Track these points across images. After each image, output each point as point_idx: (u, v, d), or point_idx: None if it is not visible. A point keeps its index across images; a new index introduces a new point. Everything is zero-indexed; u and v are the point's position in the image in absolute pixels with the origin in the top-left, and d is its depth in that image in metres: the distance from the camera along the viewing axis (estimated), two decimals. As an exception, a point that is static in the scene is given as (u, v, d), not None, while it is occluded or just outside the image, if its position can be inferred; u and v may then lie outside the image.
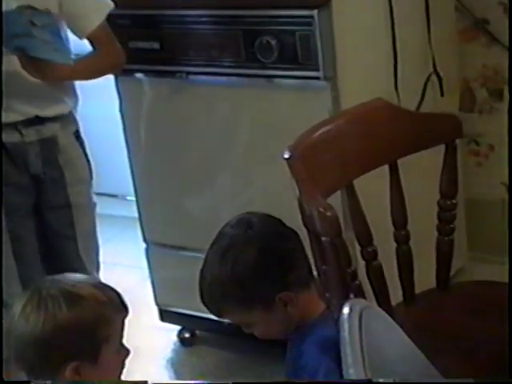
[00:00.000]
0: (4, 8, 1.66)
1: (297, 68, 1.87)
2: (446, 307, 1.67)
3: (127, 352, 1.37)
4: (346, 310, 1.28)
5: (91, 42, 1.87)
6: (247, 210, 1.46)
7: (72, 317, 1.28)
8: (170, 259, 2.26)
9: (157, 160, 2.19)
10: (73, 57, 1.77)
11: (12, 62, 1.73)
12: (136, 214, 2.31)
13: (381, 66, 1.97)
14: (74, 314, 1.28)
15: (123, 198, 3.04)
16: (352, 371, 1.21)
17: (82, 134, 1.98)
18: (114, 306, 1.33)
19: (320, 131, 1.57)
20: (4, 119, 1.81)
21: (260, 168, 2.03)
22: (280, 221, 1.43)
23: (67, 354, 1.29)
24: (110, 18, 1.86)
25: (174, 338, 2.38)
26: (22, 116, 1.83)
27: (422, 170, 1.92)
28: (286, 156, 1.48)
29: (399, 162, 1.64)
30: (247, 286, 1.36)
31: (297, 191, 1.46)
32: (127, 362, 1.37)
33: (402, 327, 1.35)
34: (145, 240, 2.31)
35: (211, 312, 1.44)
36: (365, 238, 1.60)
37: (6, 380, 1.34)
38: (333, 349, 1.29)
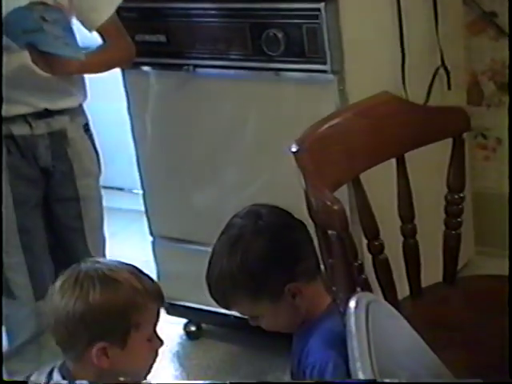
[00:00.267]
0: (16, 4, 1.67)
1: (304, 61, 1.87)
2: (453, 301, 1.67)
3: (160, 342, 1.40)
4: (352, 304, 1.28)
5: (101, 36, 1.87)
6: (254, 203, 1.46)
7: (104, 298, 1.31)
8: (177, 252, 2.26)
9: (163, 153, 2.19)
10: (83, 51, 1.77)
11: (22, 56, 1.74)
12: (142, 208, 2.31)
13: (388, 59, 1.97)
14: (106, 297, 1.31)
15: (130, 191, 3.04)
16: (359, 365, 1.21)
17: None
18: (149, 294, 1.36)
19: (327, 125, 1.56)
20: (14, 112, 1.82)
21: (266, 161, 2.03)
22: (288, 212, 1.43)
23: (95, 333, 1.32)
24: (117, 11, 1.86)
25: (180, 331, 2.39)
26: (32, 109, 1.84)
27: (429, 163, 1.92)
28: (294, 149, 1.47)
29: (406, 155, 1.63)
30: (256, 276, 1.36)
31: (303, 184, 1.45)
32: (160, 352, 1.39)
33: (408, 321, 1.35)
34: (151, 233, 2.32)
35: (218, 304, 1.44)
36: (371, 231, 1.60)
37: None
38: (340, 343, 1.29)
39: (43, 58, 1.72)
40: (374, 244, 1.60)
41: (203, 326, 2.38)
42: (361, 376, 1.21)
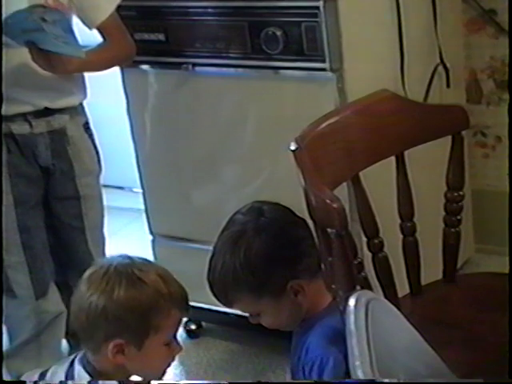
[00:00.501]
0: (16, 7, 1.67)
1: (303, 59, 1.87)
2: (453, 299, 1.67)
3: (179, 348, 1.40)
4: (352, 302, 1.27)
5: (101, 33, 1.87)
6: (256, 200, 1.46)
7: (127, 297, 1.32)
8: (177, 251, 2.26)
9: (163, 152, 2.19)
10: (84, 50, 1.77)
11: (22, 54, 1.74)
12: (142, 206, 2.31)
13: (387, 57, 1.97)
14: (129, 295, 1.32)
15: (129, 189, 3.04)
16: (358, 363, 1.21)
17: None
18: (173, 300, 1.36)
19: (326, 123, 1.56)
20: (14, 110, 1.83)
21: (266, 160, 2.03)
22: (290, 209, 1.43)
23: (114, 329, 1.33)
24: (117, 9, 1.86)
25: (180, 329, 2.38)
26: (32, 107, 1.84)
27: (428, 161, 1.92)
28: (293, 147, 1.47)
29: (406, 153, 1.63)
30: (259, 273, 1.36)
31: (303, 183, 1.45)
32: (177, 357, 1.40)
33: (408, 319, 1.35)
34: (151, 232, 2.31)
35: (219, 300, 1.44)
36: (371, 229, 1.59)
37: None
38: (341, 340, 1.29)
39: (44, 56, 1.72)
40: (373, 242, 1.60)
41: (203, 324, 2.38)
42: (360, 374, 1.21)
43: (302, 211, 1.45)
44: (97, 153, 2.00)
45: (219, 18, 1.96)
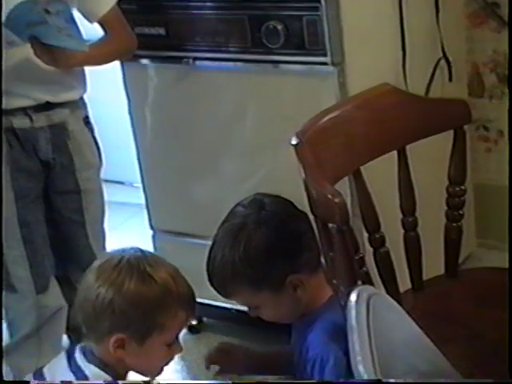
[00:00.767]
0: (18, 0, 1.66)
1: (304, 53, 1.86)
2: (455, 294, 1.66)
3: (179, 349, 1.39)
4: (353, 297, 1.27)
5: (102, 27, 1.86)
6: (257, 192, 1.45)
7: (135, 292, 1.30)
8: (177, 246, 2.26)
9: (163, 146, 2.18)
10: (87, 43, 1.77)
11: (23, 49, 1.74)
12: (143, 201, 2.30)
13: (389, 50, 1.96)
14: (138, 290, 1.31)
15: (130, 184, 3.04)
16: (359, 358, 1.20)
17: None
18: (181, 301, 1.35)
19: (327, 117, 1.55)
20: (14, 104, 1.83)
21: (267, 154, 2.02)
22: (291, 202, 1.42)
23: (119, 323, 1.31)
24: (117, 3, 1.85)
25: (182, 325, 2.38)
26: (33, 101, 1.84)
27: (430, 155, 1.91)
28: (294, 142, 1.46)
29: (407, 148, 1.62)
30: (259, 266, 1.36)
31: (304, 177, 1.45)
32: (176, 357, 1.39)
33: (409, 314, 1.34)
34: (151, 227, 2.31)
35: (219, 292, 1.43)
36: (372, 224, 1.59)
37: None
38: (341, 335, 1.28)
39: (47, 51, 1.72)
40: (375, 237, 1.59)
41: (204, 319, 2.38)
42: (361, 369, 1.21)
43: (303, 206, 1.44)
44: (97, 147, 2.00)
45: (220, 12, 1.95)
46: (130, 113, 2.20)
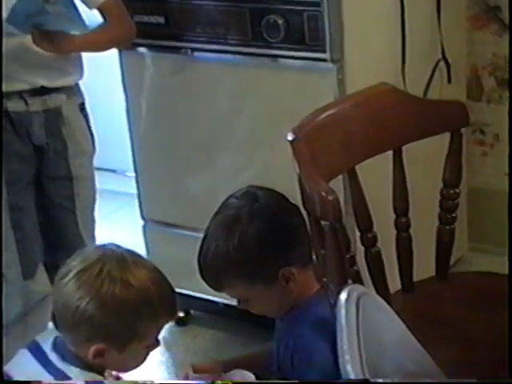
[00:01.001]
0: None
1: (303, 49, 1.85)
2: (445, 296, 1.66)
3: (157, 345, 1.37)
4: (343, 296, 1.27)
5: (102, 14, 1.85)
6: (250, 185, 1.45)
7: (117, 306, 1.27)
8: (168, 237, 2.25)
9: (158, 136, 2.17)
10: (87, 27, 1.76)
11: (19, 36, 1.73)
12: (135, 191, 2.29)
13: (388, 50, 1.95)
14: (120, 304, 1.27)
15: (122, 173, 3.02)
16: (348, 358, 1.20)
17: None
18: (163, 308, 1.32)
19: (325, 114, 1.54)
20: (9, 88, 1.82)
21: (262, 148, 2.01)
22: (284, 196, 1.42)
23: (98, 335, 1.29)
24: (116, -11, 1.84)
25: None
26: (28, 85, 1.84)
27: (426, 157, 1.91)
28: (290, 138, 1.45)
29: (403, 148, 1.62)
30: (253, 259, 1.35)
31: (298, 173, 1.44)
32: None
33: (399, 315, 1.34)
34: (142, 217, 2.30)
35: (209, 285, 1.42)
36: (365, 223, 1.58)
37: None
38: (328, 330, 1.28)
39: (46, 37, 1.72)
40: (367, 236, 1.58)
41: (192, 312, 2.37)
42: (349, 368, 1.20)
43: (297, 201, 1.44)
44: (91, 134, 1.99)
45: (221, 4, 1.94)
46: (126, 101, 2.18)
